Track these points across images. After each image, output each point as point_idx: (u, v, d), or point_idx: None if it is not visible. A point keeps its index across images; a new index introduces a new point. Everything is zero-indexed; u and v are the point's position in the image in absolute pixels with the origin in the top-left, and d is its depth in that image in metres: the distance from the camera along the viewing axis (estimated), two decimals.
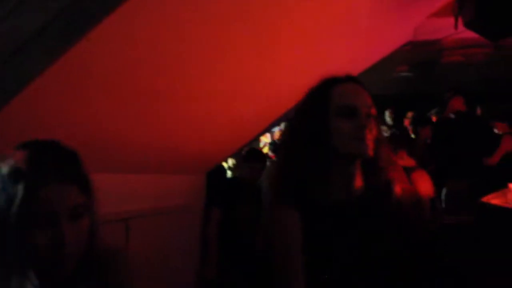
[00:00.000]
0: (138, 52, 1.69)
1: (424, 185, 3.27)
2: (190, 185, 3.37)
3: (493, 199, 3.51)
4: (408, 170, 3.67)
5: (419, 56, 5.16)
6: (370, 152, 1.14)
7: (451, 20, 3.18)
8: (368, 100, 1.18)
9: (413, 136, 5.38)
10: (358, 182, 1.20)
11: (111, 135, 2.12)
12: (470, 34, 3.31)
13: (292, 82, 2.92)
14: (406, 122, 6.44)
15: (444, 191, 4.16)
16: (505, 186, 3.80)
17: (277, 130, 7.99)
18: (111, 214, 2.50)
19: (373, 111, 1.18)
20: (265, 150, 7.21)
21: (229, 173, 5.65)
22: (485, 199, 3.54)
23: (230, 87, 2.50)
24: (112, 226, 2.53)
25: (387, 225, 1.16)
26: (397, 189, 1.22)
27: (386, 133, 5.12)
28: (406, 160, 3.63)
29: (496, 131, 4.85)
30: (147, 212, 2.82)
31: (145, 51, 1.71)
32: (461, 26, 3.23)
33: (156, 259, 2.82)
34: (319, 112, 1.18)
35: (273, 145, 6.51)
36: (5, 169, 0.89)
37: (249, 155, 3.80)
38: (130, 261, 1.12)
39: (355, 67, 3.49)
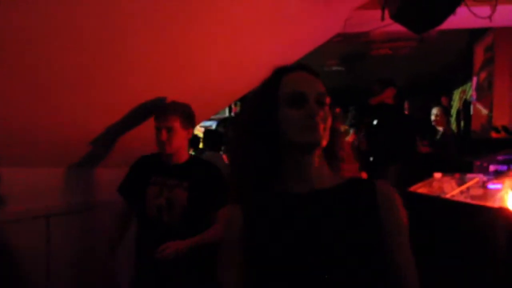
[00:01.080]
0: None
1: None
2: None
3: (420, 188, 3.63)
4: None
5: (348, 49, 5.26)
6: (323, 141, 1.08)
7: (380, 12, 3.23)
8: (319, 87, 1.12)
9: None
10: (320, 173, 1.13)
11: (18, 125, 1.98)
12: (397, 27, 3.39)
13: (215, 80, 2.89)
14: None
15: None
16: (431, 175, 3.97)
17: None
18: (31, 210, 2.37)
19: (327, 99, 1.12)
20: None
21: None
22: (412, 188, 3.65)
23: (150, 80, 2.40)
24: (31, 223, 2.39)
25: (349, 220, 1.07)
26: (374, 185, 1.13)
27: None
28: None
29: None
30: (71, 208, 2.69)
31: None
32: (388, 19, 3.30)
33: (81, 259, 2.70)
34: (268, 102, 1.13)
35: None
36: None
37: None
38: None
39: (285, 60, 3.48)
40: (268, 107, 1.12)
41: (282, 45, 3.20)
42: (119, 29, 1.78)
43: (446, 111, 5.04)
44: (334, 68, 6.81)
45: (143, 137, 2.67)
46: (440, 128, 4.94)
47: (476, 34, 5.05)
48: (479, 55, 5.04)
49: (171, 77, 2.51)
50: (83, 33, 1.66)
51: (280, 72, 1.16)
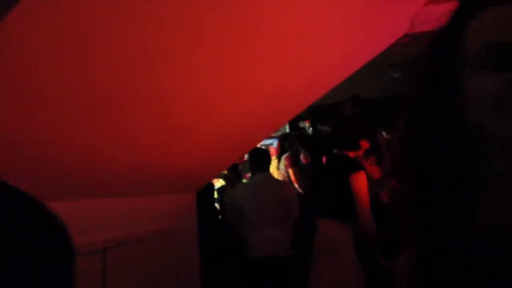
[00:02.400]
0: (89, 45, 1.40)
1: None
2: (179, 206, 3.07)
3: None
4: None
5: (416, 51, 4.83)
6: None
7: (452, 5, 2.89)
8: None
9: None
10: None
11: (71, 157, 1.82)
12: None
13: (282, 82, 2.65)
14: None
15: None
16: None
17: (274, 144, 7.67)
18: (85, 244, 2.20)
19: None
20: None
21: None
22: None
23: (220, 87, 2.20)
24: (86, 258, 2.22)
25: None
26: None
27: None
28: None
29: None
30: (128, 240, 2.52)
31: (99, 42, 1.42)
32: None
33: None
34: (442, 67, 0.65)
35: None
36: None
37: None
38: None
39: (350, 65, 3.20)
40: (443, 75, 0.65)
41: (347, 49, 2.93)
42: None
43: None
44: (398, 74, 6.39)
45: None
46: None
47: None
48: None
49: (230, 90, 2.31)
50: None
51: (463, 13, 0.65)
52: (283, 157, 5.25)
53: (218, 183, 5.41)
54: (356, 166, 3.08)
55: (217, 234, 4.02)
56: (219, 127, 2.56)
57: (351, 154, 3.19)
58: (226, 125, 2.59)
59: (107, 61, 1.50)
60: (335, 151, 3.34)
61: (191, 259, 3.23)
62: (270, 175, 4.30)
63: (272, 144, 7.71)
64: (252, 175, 4.21)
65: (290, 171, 5.00)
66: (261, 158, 4.10)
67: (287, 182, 4.87)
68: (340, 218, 2.96)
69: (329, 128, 6.58)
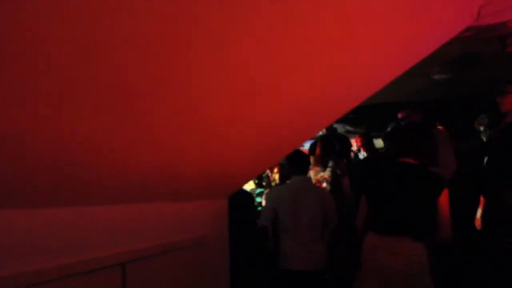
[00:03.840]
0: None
1: None
2: (209, 213, 2.77)
3: None
4: None
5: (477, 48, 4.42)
6: None
7: None
8: None
9: None
10: None
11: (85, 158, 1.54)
12: None
13: (323, 88, 2.33)
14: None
15: None
16: None
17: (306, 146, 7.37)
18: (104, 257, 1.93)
19: None
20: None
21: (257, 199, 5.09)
22: None
23: (258, 85, 1.90)
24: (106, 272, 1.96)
25: None
26: None
27: None
28: None
29: None
30: (151, 251, 2.24)
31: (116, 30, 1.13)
32: None
33: None
34: None
35: None
36: None
37: None
38: None
39: (404, 61, 2.83)
40: None
41: (401, 43, 2.57)
42: None
43: None
44: (443, 76, 5.94)
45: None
46: None
47: None
48: None
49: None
50: None
51: None
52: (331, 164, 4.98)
53: (247, 185, 5.21)
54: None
55: (251, 242, 3.74)
56: (255, 127, 2.25)
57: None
58: (264, 125, 2.28)
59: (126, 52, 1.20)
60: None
61: (221, 271, 2.95)
62: (309, 179, 4.03)
63: (304, 145, 7.44)
64: (289, 179, 3.96)
65: (345, 180, 4.73)
66: (300, 161, 3.89)
67: (325, 188, 4.62)
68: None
69: (358, 130, 6.33)
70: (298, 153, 3.97)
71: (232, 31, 1.45)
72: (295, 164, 3.86)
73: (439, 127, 5.00)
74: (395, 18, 2.28)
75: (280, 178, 5.15)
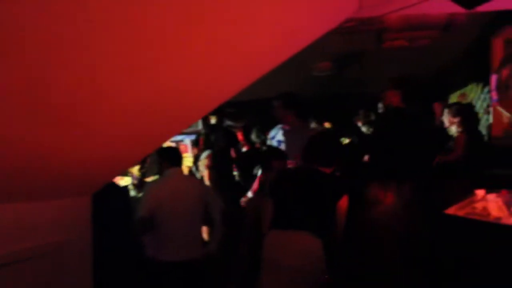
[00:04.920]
0: None
1: None
2: (68, 213, 2.41)
3: (460, 210, 2.88)
4: None
5: (348, 46, 4.49)
6: None
7: None
8: None
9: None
10: None
11: None
12: (423, 8, 2.68)
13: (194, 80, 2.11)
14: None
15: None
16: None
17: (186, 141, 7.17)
18: None
19: None
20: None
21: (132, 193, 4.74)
22: (450, 210, 2.91)
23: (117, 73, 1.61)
24: None
25: None
26: None
27: None
28: None
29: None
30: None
31: None
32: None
33: None
34: None
35: None
36: None
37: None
38: None
39: (283, 52, 2.70)
40: None
41: (282, 32, 2.42)
42: None
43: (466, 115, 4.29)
44: (325, 73, 6.05)
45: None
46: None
47: (493, 25, 4.39)
48: (498, 49, 4.37)
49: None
50: None
51: None
52: (204, 155, 4.87)
53: (123, 181, 4.91)
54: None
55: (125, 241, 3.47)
56: (115, 119, 1.96)
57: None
58: (125, 118, 2.00)
59: None
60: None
61: (82, 277, 2.61)
62: (183, 172, 4.04)
63: (183, 140, 7.24)
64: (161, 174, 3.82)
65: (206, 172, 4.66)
66: (172, 154, 3.79)
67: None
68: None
69: (238, 125, 6.31)
70: (168, 147, 3.92)
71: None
72: (169, 156, 3.73)
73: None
74: (275, 6, 2.12)
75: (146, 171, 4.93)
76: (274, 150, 3.99)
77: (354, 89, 6.58)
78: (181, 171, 3.85)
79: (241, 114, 7.35)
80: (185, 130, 7.19)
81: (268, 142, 4.54)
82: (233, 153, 5.32)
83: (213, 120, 6.01)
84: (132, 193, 4.78)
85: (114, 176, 2.84)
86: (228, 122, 7.64)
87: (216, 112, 5.72)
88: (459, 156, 3.88)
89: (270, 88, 4.44)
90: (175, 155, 3.78)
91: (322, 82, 6.36)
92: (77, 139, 1.96)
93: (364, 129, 5.72)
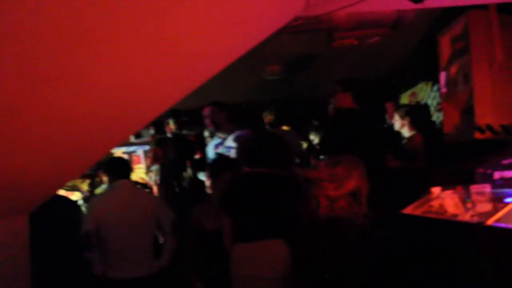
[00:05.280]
0: None
1: None
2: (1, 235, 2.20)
3: (417, 209, 2.84)
4: None
5: (300, 47, 4.43)
6: None
7: None
8: None
9: None
10: None
11: None
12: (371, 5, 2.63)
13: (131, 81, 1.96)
14: None
15: None
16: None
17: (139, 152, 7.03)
18: None
19: None
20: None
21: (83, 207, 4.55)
22: (407, 210, 2.86)
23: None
24: None
25: None
26: None
27: None
28: None
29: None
30: None
31: None
32: None
33: None
34: None
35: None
36: None
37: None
38: None
39: (230, 54, 2.58)
40: None
41: (228, 29, 2.30)
42: None
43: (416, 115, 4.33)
44: (276, 76, 5.95)
45: None
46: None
47: (440, 23, 4.42)
48: (445, 47, 4.40)
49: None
50: None
51: None
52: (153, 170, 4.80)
53: (73, 196, 4.82)
54: None
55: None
56: (54, 123, 1.79)
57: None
58: (64, 122, 1.83)
59: None
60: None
61: None
62: (133, 183, 3.89)
63: (135, 151, 7.10)
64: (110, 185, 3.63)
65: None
66: (120, 165, 3.62)
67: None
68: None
69: (193, 133, 6.19)
70: (116, 158, 3.82)
71: None
72: (116, 168, 3.56)
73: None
74: (215, 5, 2.00)
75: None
76: (222, 158, 3.85)
77: (305, 94, 6.59)
78: (129, 183, 3.68)
79: (196, 122, 7.21)
80: (137, 141, 7.02)
81: (220, 150, 4.43)
82: (188, 164, 5.19)
83: (172, 127, 5.78)
84: (83, 208, 4.59)
85: (53, 193, 2.64)
86: (184, 131, 7.49)
87: (174, 121, 5.55)
88: (421, 165, 3.91)
89: (226, 93, 4.41)
90: (122, 167, 3.62)
91: (275, 86, 6.29)
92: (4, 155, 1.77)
93: (312, 136, 5.73)
